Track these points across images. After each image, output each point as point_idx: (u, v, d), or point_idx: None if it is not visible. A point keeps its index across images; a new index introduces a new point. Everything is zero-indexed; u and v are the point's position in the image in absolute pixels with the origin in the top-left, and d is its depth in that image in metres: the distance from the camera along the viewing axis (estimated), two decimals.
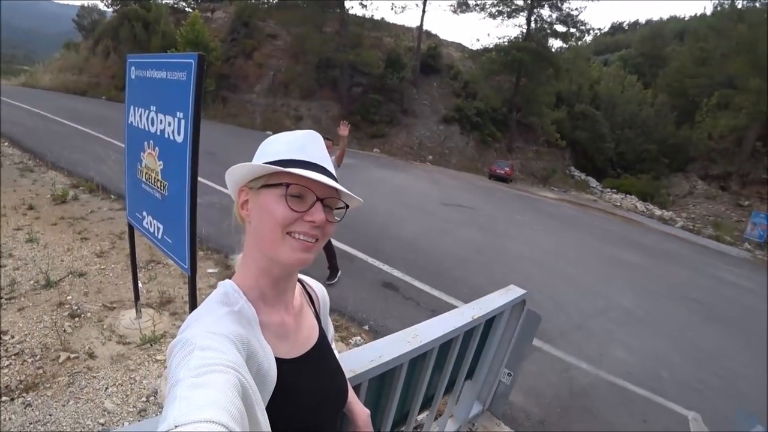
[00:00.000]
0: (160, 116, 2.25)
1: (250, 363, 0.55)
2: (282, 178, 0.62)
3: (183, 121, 2.04)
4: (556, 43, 27.10)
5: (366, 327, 3.68)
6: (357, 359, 1.12)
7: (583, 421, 2.91)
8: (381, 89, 24.49)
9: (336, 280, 4.18)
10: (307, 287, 0.86)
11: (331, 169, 0.68)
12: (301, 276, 0.87)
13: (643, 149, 29.27)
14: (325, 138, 3.34)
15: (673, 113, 29.96)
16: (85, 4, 37.69)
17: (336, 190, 0.66)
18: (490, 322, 2.04)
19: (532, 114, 25.96)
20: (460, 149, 24.51)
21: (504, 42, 26.11)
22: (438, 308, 4.18)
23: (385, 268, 5.08)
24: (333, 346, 0.91)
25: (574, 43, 27.03)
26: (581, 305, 5.26)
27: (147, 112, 2.39)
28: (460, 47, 32.84)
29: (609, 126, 29.75)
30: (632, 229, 14.54)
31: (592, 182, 27.24)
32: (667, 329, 5.07)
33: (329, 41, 23.03)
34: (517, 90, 25.58)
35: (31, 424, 2.01)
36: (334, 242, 4.30)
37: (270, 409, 0.58)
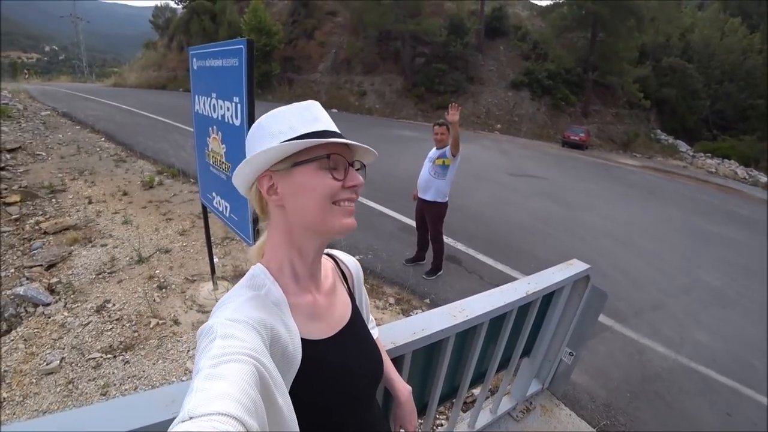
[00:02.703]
0: (220, 102, 2.39)
1: (274, 347, 0.56)
2: (317, 151, 0.62)
3: (239, 105, 2.15)
4: None
5: (427, 300, 3.71)
6: (399, 331, 1.13)
7: (654, 408, 2.69)
8: (444, 58, 23.64)
9: (434, 277, 4.08)
10: (340, 263, 0.87)
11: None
12: (334, 251, 0.88)
13: (747, 105, 25.09)
14: (439, 124, 3.25)
15: None
16: (159, 4, 40.63)
17: (364, 151, 0.69)
18: (549, 298, 1.94)
19: (610, 73, 23.23)
20: (530, 116, 23.02)
21: None
22: (502, 282, 4.00)
23: (449, 241, 5.01)
24: (367, 314, 0.92)
25: None
26: (661, 283, 4.79)
27: (209, 99, 2.55)
28: (527, 5, 30.48)
29: (704, 80, 25.84)
30: (729, 198, 12.80)
31: (682, 146, 24.15)
32: (765, 314, 4.45)
33: (388, 12, 22.40)
34: (592, 47, 23.02)
35: (128, 378, 2.35)
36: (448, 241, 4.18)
37: (304, 388, 0.60)
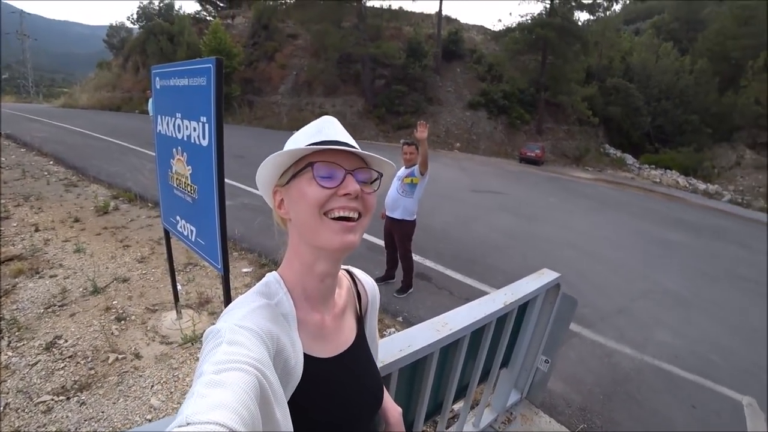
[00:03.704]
0: (186, 122, 2.32)
1: (277, 359, 0.56)
2: (306, 161, 0.62)
3: (207, 125, 2.10)
4: (582, 16, 26.00)
5: (400, 318, 3.68)
6: (385, 349, 1.11)
7: (626, 408, 2.79)
8: (404, 80, 24.25)
9: (405, 295, 4.06)
10: (357, 283, 0.84)
11: (354, 144, 0.67)
12: (354, 270, 0.86)
13: (682, 120, 27.45)
14: (408, 144, 3.27)
15: (715, 79, 27.79)
16: (113, 24, 39.51)
17: (362, 159, 0.65)
18: (523, 308, 1.99)
19: (561, 92, 24.80)
20: (488, 134, 23.91)
21: (527, 20, 25.01)
22: (472, 297, 4.09)
23: (418, 258, 5.02)
24: (373, 337, 0.87)
25: (602, 14, 25.63)
26: (622, 288, 5.04)
27: (173, 119, 2.47)
28: (481, 30, 32.02)
29: (644, 98, 28.03)
30: (674, 206, 13.79)
31: (629, 159, 25.90)
32: (717, 310, 4.78)
33: (348, 36, 22.92)
34: (543, 69, 24.53)
35: (85, 420, 2.15)
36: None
37: (302, 404, 0.60)
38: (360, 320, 0.81)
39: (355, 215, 0.62)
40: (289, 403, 0.56)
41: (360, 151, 0.62)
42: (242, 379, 0.44)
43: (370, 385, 0.77)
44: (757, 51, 24.51)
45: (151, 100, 11.96)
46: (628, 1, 39.38)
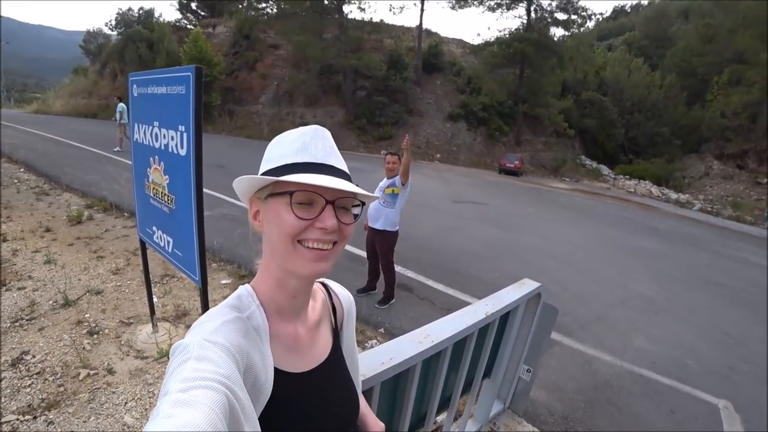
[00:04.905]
0: (163, 131, 2.27)
1: (247, 374, 0.55)
2: (286, 186, 0.59)
3: (185, 134, 2.06)
4: (557, 32, 26.73)
5: (381, 330, 3.65)
6: (367, 363, 1.10)
7: (608, 414, 2.83)
8: (384, 91, 24.48)
9: (386, 306, 4.04)
10: (333, 296, 0.82)
11: (341, 164, 0.64)
12: (330, 282, 0.85)
13: (654, 132, 28.64)
14: (391, 154, 3.30)
15: (683, 94, 29.27)
16: (91, 29, 38.67)
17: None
18: (505, 318, 2.00)
19: (538, 105, 25.59)
20: (467, 146, 24.32)
21: (505, 34, 25.82)
22: (454, 307, 4.13)
23: (398, 269, 5.02)
24: (351, 349, 0.85)
25: (576, 31, 26.58)
26: (600, 296, 5.14)
27: (150, 128, 2.41)
28: (461, 43, 32.71)
29: (618, 111, 29.19)
30: (648, 214, 14.25)
31: (604, 170, 26.74)
32: (691, 316, 4.93)
33: (330, 47, 23.10)
34: (521, 82, 25.27)
35: None
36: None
37: (272, 420, 0.58)
38: (336, 333, 0.80)
39: (330, 246, 0.60)
40: (259, 419, 0.55)
41: (343, 186, 0.58)
42: (210, 398, 0.43)
43: (345, 399, 0.75)
44: (721, 67, 25.92)
45: (119, 106, 11.76)
46: (600, 19, 41.02)
